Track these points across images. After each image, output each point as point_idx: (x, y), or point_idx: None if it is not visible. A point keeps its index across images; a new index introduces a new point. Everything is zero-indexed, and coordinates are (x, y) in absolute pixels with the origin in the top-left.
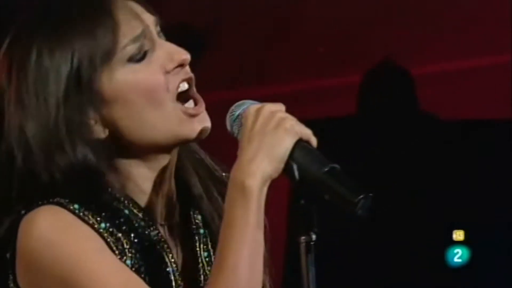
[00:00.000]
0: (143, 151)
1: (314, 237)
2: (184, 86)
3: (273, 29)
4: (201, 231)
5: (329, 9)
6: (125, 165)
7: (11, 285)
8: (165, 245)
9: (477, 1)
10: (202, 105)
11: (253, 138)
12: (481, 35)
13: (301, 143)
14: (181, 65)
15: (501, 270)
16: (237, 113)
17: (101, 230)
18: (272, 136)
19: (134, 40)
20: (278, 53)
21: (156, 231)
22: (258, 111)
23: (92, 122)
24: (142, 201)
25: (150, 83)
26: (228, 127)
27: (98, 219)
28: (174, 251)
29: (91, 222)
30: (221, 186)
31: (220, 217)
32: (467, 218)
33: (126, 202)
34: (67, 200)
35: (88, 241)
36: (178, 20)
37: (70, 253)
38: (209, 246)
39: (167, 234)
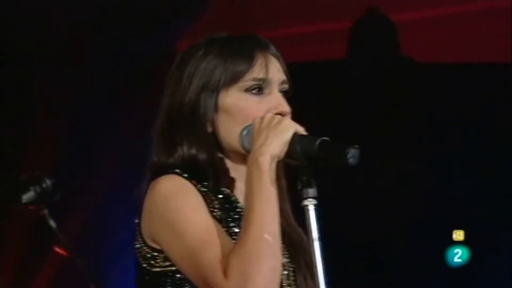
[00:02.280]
0: (231, 155)
1: (315, 202)
2: None
3: None
4: None
5: None
6: (220, 161)
7: (140, 241)
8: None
9: None
10: None
11: (261, 132)
12: None
13: (298, 133)
14: (280, 114)
15: (501, 270)
16: (245, 130)
17: (201, 191)
18: (275, 128)
19: (254, 79)
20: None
21: (239, 203)
22: (262, 118)
23: (207, 118)
24: (230, 186)
25: (251, 112)
26: (241, 143)
27: (199, 185)
28: None
29: (197, 186)
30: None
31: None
32: (467, 218)
33: (218, 188)
34: (181, 171)
35: (191, 197)
36: None
37: (177, 205)
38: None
39: None
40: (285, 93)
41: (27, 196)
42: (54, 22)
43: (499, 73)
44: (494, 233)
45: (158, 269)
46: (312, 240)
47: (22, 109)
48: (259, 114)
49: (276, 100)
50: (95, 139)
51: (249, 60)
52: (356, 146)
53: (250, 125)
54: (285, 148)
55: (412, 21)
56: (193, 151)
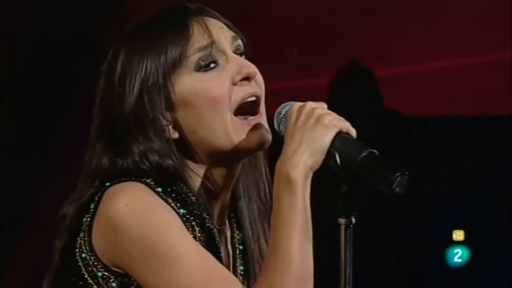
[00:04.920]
0: (207, 155)
1: (353, 220)
2: (252, 98)
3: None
4: (240, 247)
5: (298, 14)
6: (193, 167)
7: (82, 245)
8: (219, 244)
9: (435, 7)
10: (260, 118)
11: (295, 134)
12: (439, 40)
13: (341, 134)
14: (247, 78)
15: (501, 270)
16: (283, 112)
17: (180, 214)
18: (312, 131)
19: (199, 50)
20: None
21: (214, 230)
22: (299, 109)
23: (165, 122)
24: (204, 201)
25: (213, 92)
26: (276, 127)
27: (178, 204)
28: (223, 251)
29: (172, 205)
30: (267, 211)
31: (258, 239)
32: (467, 218)
33: (194, 198)
34: (152, 183)
35: (172, 219)
36: None
37: (158, 226)
38: (245, 262)
39: (219, 235)
40: (243, 53)
41: None
42: None
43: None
44: (494, 233)
45: None
46: (342, 265)
47: None
48: (223, 90)
49: (235, 64)
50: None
51: (184, 32)
52: (406, 172)
53: (288, 105)
54: (323, 157)
55: (395, 75)
56: (157, 158)
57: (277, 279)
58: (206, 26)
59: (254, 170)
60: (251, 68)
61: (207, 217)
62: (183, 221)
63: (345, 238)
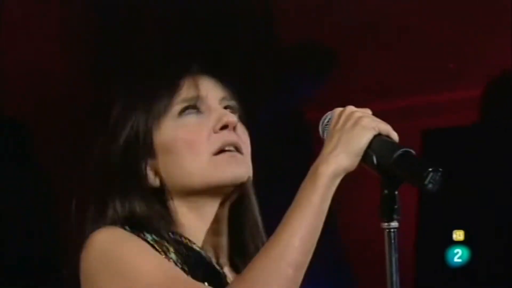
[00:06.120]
0: (188, 198)
1: (396, 224)
2: (229, 148)
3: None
4: None
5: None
6: (178, 213)
7: None
8: (224, 280)
9: None
10: (236, 154)
11: (334, 135)
12: None
13: (379, 137)
14: (226, 126)
15: (501, 270)
16: (327, 118)
17: (149, 240)
18: (349, 132)
19: (184, 100)
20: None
21: (215, 266)
22: (340, 113)
23: (146, 171)
24: (199, 244)
25: (192, 136)
26: (320, 133)
27: (147, 234)
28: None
29: (141, 235)
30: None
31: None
32: (467, 218)
33: (186, 242)
34: (128, 228)
35: (137, 242)
36: (305, 38)
37: (122, 252)
38: None
39: (224, 272)
40: (232, 110)
41: None
42: None
43: None
44: (494, 233)
45: None
46: (388, 271)
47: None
48: (202, 136)
49: (217, 114)
50: None
51: (174, 85)
52: (439, 169)
53: (331, 112)
54: (358, 159)
55: None
56: (131, 207)
57: (264, 262)
58: (197, 83)
59: (244, 199)
60: (231, 117)
61: (203, 255)
62: (152, 243)
63: (389, 243)
